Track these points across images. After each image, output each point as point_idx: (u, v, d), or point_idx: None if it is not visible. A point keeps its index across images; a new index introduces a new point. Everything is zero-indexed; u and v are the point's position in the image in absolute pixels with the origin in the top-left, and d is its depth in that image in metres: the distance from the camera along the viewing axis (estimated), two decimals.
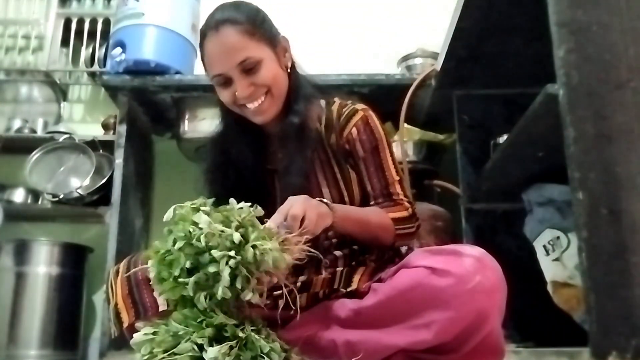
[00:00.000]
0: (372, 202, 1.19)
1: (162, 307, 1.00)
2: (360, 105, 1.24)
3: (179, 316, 0.79)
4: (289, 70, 1.20)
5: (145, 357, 0.78)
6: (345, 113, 1.23)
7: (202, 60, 1.21)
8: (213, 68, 1.17)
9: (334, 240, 1.20)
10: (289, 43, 1.22)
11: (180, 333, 0.77)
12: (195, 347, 0.75)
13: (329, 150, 1.21)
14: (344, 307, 1.06)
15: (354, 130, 1.21)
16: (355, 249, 1.21)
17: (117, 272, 1.06)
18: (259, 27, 1.16)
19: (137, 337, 0.80)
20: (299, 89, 1.21)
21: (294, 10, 2.44)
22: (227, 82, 1.15)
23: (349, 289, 1.10)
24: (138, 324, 0.84)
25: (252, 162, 1.22)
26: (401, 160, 1.99)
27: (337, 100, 1.26)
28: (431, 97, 1.96)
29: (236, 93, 1.14)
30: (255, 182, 1.21)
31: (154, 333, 0.79)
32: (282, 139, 1.21)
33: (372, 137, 1.22)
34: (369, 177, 1.21)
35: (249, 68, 1.13)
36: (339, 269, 1.17)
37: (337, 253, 1.20)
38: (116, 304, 1.03)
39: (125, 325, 1.01)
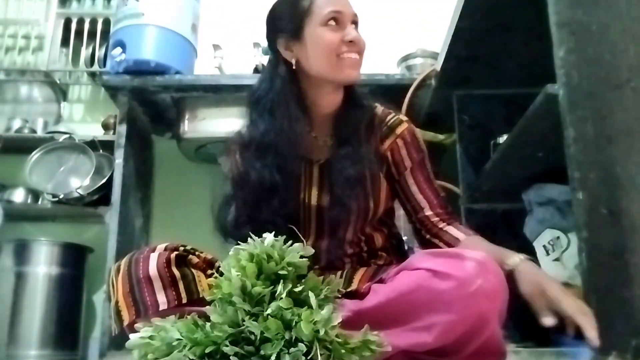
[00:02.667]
0: (428, 212, 1.18)
1: (163, 306, 1.00)
2: (404, 117, 1.25)
3: (178, 326, 0.79)
4: None
5: None
6: (390, 121, 1.22)
7: (299, 2, 1.16)
8: (331, 5, 1.15)
9: (348, 251, 1.19)
10: None
11: (174, 343, 0.76)
12: None
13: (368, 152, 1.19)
14: (343, 307, 1.07)
15: (400, 141, 1.21)
16: (364, 256, 1.21)
17: (119, 269, 1.05)
18: None
19: (133, 338, 0.80)
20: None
21: None
22: (338, 24, 1.15)
23: (348, 289, 1.10)
24: (138, 325, 0.83)
25: (299, 151, 1.16)
26: None
27: (378, 105, 1.25)
28: (431, 97, 1.96)
29: (347, 38, 1.14)
30: (293, 170, 1.16)
31: (150, 337, 0.78)
32: (345, 126, 1.18)
33: (419, 149, 1.23)
34: (419, 188, 1.21)
35: (356, 25, 1.17)
36: (342, 270, 1.18)
37: (346, 259, 1.20)
38: (117, 302, 1.03)
39: (125, 323, 1.01)
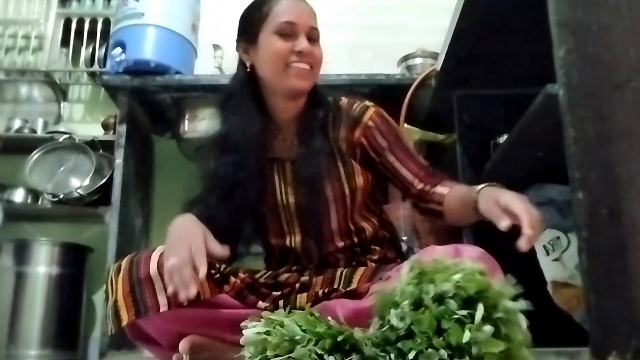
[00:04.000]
0: (419, 186, 1.21)
1: (163, 308, 1.00)
2: (368, 102, 1.27)
3: (296, 320, 0.75)
4: None
5: (257, 358, 0.74)
6: (357, 109, 1.25)
7: (260, 8, 1.21)
8: (286, 15, 1.18)
9: (338, 244, 1.20)
10: None
11: (297, 338, 0.72)
12: (315, 355, 0.70)
13: (333, 144, 1.22)
14: (343, 306, 1.07)
15: (371, 124, 1.23)
16: (357, 250, 1.22)
17: (119, 269, 1.05)
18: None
19: (247, 334, 0.76)
20: (318, 85, 1.25)
21: None
22: (290, 34, 1.17)
23: (348, 289, 1.10)
24: (243, 323, 0.80)
25: (256, 149, 1.20)
26: None
27: (343, 98, 1.28)
28: (431, 97, 1.96)
29: (297, 47, 1.16)
30: (257, 170, 1.19)
31: (267, 332, 0.74)
32: (304, 128, 1.22)
33: (391, 128, 1.26)
34: (403, 164, 1.23)
35: (313, 38, 1.19)
36: (340, 269, 1.18)
37: (339, 255, 1.20)
38: (115, 301, 1.02)
39: (124, 323, 1.01)
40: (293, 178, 1.20)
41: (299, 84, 1.18)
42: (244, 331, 0.78)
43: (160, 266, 1.02)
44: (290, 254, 1.23)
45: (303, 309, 0.93)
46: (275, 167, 1.22)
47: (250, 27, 1.22)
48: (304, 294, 1.12)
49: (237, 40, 1.26)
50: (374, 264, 1.19)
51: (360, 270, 1.16)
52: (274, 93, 1.22)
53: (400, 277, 0.76)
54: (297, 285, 1.16)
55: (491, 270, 0.91)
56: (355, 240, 1.22)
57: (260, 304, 1.13)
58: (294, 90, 1.19)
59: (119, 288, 1.03)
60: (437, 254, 0.97)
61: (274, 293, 1.15)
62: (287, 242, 1.21)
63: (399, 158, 1.23)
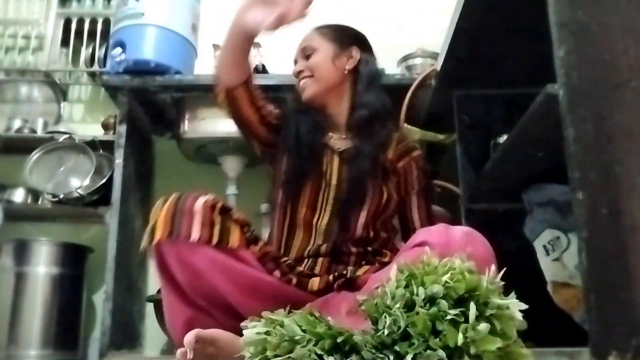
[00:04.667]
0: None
1: (194, 239, 1.09)
2: (417, 145, 1.48)
3: (296, 320, 0.75)
4: (346, 71, 1.45)
5: (257, 358, 0.74)
6: (406, 144, 1.45)
7: None
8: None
9: (353, 249, 1.24)
10: (362, 56, 1.49)
11: (296, 338, 0.72)
12: (314, 356, 0.70)
13: (381, 155, 1.37)
14: (346, 299, 1.08)
15: (413, 164, 1.42)
16: (369, 250, 1.26)
17: (165, 201, 1.16)
18: (336, 31, 1.49)
19: (248, 334, 0.77)
20: (362, 89, 1.43)
21: None
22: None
23: (353, 276, 1.19)
24: (243, 323, 0.81)
25: (315, 138, 1.38)
26: None
27: (402, 128, 1.57)
28: (431, 97, 1.96)
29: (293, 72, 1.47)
30: (316, 155, 1.36)
31: (267, 332, 0.75)
32: (350, 125, 1.41)
33: (426, 177, 1.45)
34: (418, 211, 1.40)
35: (307, 55, 1.45)
36: (350, 267, 1.21)
37: (353, 250, 1.25)
38: (155, 222, 1.13)
39: (156, 239, 1.11)
40: (339, 169, 1.35)
41: (304, 96, 1.44)
42: (244, 331, 0.78)
43: (205, 206, 1.13)
44: (310, 232, 1.30)
45: (313, 295, 0.95)
46: (327, 151, 1.38)
47: None
48: (316, 279, 1.17)
49: None
50: (380, 265, 1.22)
51: (365, 267, 1.20)
52: None
53: (389, 279, 0.76)
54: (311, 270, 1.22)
55: (481, 250, 0.95)
56: (370, 248, 1.30)
57: (277, 273, 1.21)
58: (305, 100, 1.43)
59: (161, 213, 1.13)
60: (428, 233, 1.02)
61: (291, 270, 1.23)
62: (315, 218, 1.30)
63: (419, 207, 1.40)
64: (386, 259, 1.27)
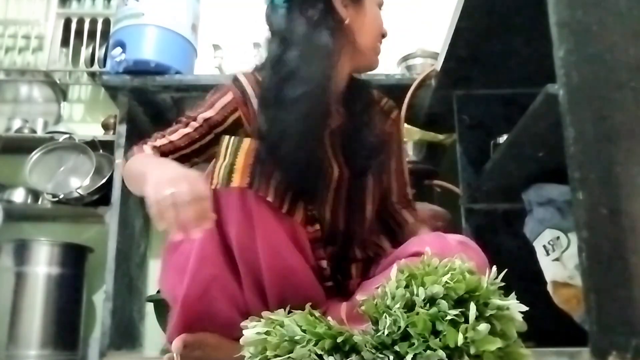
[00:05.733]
0: (393, 199, 1.27)
1: (271, 198, 0.96)
2: (391, 101, 1.32)
3: (296, 320, 0.74)
4: None
5: (257, 358, 0.74)
6: (387, 104, 1.29)
7: None
8: None
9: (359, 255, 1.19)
10: None
11: (296, 338, 0.72)
12: (314, 356, 0.70)
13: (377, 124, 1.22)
14: (338, 307, 1.07)
15: (394, 125, 1.27)
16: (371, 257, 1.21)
17: (241, 140, 1.01)
18: None
19: (247, 334, 0.76)
20: None
21: None
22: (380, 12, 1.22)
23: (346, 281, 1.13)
24: (243, 322, 0.79)
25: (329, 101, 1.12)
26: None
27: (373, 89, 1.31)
28: (431, 97, 1.96)
29: (384, 30, 1.21)
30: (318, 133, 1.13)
31: (267, 333, 0.74)
32: (359, 100, 1.21)
33: (402, 135, 1.31)
34: (396, 176, 1.27)
35: None
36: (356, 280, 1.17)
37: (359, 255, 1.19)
38: (233, 164, 0.98)
39: (234, 184, 0.96)
40: (339, 150, 1.15)
41: (378, 63, 1.23)
42: (244, 331, 0.78)
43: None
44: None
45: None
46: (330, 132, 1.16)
47: None
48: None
49: None
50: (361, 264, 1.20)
51: (354, 266, 1.17)
52: (355, 59, 1.18)
53: (389, 280, 0.76)
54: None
55: (475, 259, 0.94)
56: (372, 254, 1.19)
57: (324, 262, 1.08)
58: (372, 68, 1.23)
59: (242, 155, 0.99)
60: (422, 242, 0.99)
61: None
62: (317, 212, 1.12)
63: (397, 167, 1.27)
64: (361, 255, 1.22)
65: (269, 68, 1.12)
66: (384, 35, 1.20)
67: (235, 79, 1.17)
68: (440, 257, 0.92)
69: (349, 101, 1.19)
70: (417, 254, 0.97)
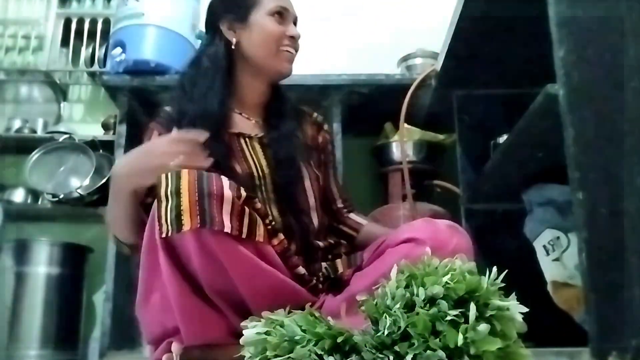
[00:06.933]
0: (339, 205, 1.37)
1: (227, 229, 0.93)
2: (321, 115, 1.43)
3: (296, 319, 0.74)
4: None
5: (257, 358, 0.73)
6: (318, 117, 1.40)
7: None
8: (281, 0, 1.28)
9: (319, 243, 1.22)
10: None
11: (296, 338, 0.71)
12: (314, 356, 0.69)
13: (303, 135, 1.32)
14: (334, 301, 1.07)
15: (327, 137, 1.38)
16: (332, 242, 1.25)
17: (179, 176, 0.97)
18: None
19: (247, 334, 0.76)
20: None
21: None
22: (282, 18, 1.27)
23: (336, 275, 1.15)
24: (243, 322, 0.79)
25: (224, 122, 1.23)
26: (401, 160, 1.99)
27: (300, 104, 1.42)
28: (431, 97, 1.96)
29: (289, 33, 1.26)
30: (223, 142, 1.20)
31: (267, 333, 0.74)
32: (278, 111, 1.30)
33: (334, 148, 1.43)
34: (335, 182, 1.39)
35: (295, 24, 1.31)
36: (324, 264, 1.19)
37: (320, 244, 1.22)
38: (179, 205, 0.94)
39: (185, 228, 0.92)
40: (265, 155, 1.23)
41: (287, 67, 1.27)
42: (244, 331, 0.78)
43: (233, 192, 0.96)
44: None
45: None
46: (242, 141, 1.24)
47: (240, 6, 1.26)
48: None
49: (216, 18, 1.29)
50: (345, 255, 1.23)
51: (338, 261, 1.19)
52: (257, 74, 1.28)
53: (389, 280, 0.76)
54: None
55: (464, 244, 1.00)
56: (326, 231, 1.29)
57: (300, 269, 1.09)
58: (281, 74, 1.28)
59: (185, 193, 0.94)
60: (413, 228, 1.01)
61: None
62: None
63: (334, 175, 1.39)
64: (343, 250, 1.26)
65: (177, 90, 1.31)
66: (293, 38, 1.26)
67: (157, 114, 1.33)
68: (436, 242, 0.96)
69: (268, 116, 1.29)
70: (409, 240, 1.01)
